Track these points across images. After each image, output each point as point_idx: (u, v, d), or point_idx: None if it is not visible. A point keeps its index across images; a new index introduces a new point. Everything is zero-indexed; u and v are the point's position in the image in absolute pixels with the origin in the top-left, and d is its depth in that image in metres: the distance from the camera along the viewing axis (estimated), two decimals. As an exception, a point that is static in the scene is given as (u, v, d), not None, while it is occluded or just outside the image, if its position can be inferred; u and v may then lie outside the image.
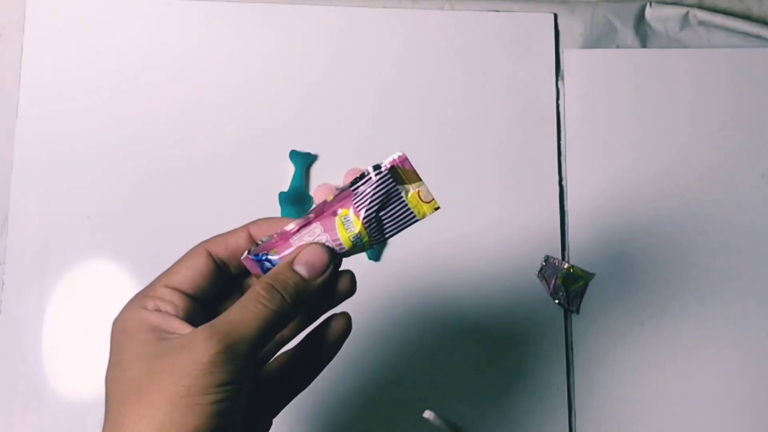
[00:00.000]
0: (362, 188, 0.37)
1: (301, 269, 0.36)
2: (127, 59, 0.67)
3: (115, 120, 0.66)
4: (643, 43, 0.71)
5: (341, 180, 0.65)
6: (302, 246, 0.37)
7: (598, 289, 0.65)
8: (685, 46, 0.71)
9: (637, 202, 0.67)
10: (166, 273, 0.38)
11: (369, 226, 0.37)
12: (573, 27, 0.70)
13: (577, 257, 0.66)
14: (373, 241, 0.37)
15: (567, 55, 0.70)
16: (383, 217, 0.37)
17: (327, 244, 0.37)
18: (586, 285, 0.65)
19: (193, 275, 0.38)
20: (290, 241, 0.37)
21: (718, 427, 0.64)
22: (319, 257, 0.36)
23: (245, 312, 0.35)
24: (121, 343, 0.35)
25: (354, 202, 0.37)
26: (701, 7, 0.72)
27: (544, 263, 0.65)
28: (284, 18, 0.69)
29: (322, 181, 0.65)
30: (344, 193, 0.37)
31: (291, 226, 0.37)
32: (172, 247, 0.64)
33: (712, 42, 0.71)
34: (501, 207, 0.67)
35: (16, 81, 0.66)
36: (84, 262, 0.64)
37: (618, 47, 0.71)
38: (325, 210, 0.37)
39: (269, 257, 0.37)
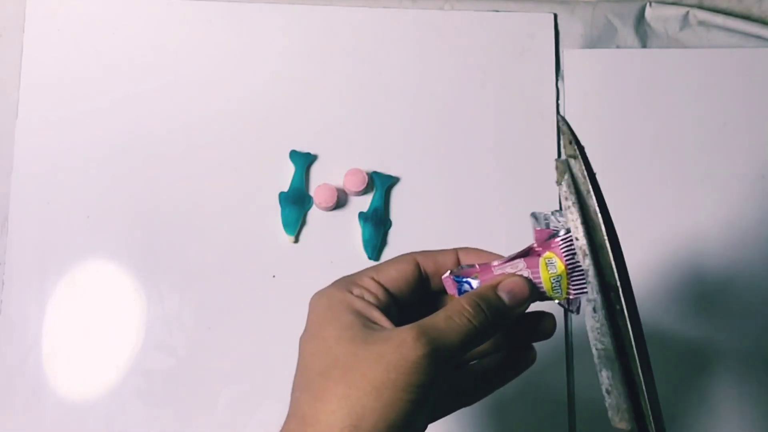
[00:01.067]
0: (568, 239, 0.39)
1: (504, 295, 0.38)
2: (127, 59, 0.67)
3: (115, 120, 0.66)
4: (643, 43, 0.71)
5: (341, 180, 0.65)
6: (506, 275, 0.39)
7: (598, 289, 0.65)
8: (685, 46, 0.71)
9: (637, 201, 0.67)
10: (375, 268, 0.41)
11: (570, 272, 0.38)
12: (573, 27, 0.70)
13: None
14: (569, 290, 0.39)
15: (567, 55, 0.70)
16: (574, 274, 0.39)
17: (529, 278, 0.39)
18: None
19: (399, 277, 0.40)
20: (493, 270, 0.39)
21: (718, 427, 0.64)
22: (521, 288, 0.38)
23: (451, 322, 0.36)
24: (324, 318, 0.38)
25: (560, 248, 0.39)
26: (701, 7, 0.72)
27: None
28: (284, 18, 0.69)
29: (322, 181, 0.65)
30: (551, 240, 0.39)
31: (495, 262, 0.40)
32: (172, 247, 0.64)
33: (712, 42, 0.71)
34: (501, 207, 0.67)
35: (16, 81, 0.66)
36: (84, 262, 0.64)
37: (618, 47, 0.71)
38: (531, 251, 0.40)
39: (470, 281, 0.39)
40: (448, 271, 0.40)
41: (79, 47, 0.67)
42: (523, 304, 0.39)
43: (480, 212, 0.66)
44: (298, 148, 0.66)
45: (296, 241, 0.65)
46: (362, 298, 0.38)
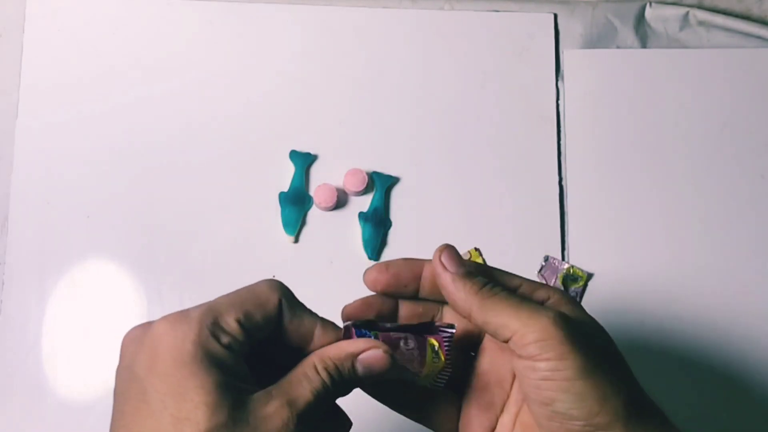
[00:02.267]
0: (450, 335, 0.38)
1: (360, 367, 0.36)
2: (127, 59, 0.67)
3: (115, 120, 0.66)
4: (643, 43, 0.71)
5: (341, 180, 0.65)
6: (379, 344, 0.36)
7: (597, 289, 0.65)
8: (685, 46, 0.71)
9: (637, 202, 0.67)
10: (238, 302, 0.35)
11: (447, 364, 0.38)
12: (573, 27, 0.70)
13: (577, 257, 0.66)
14: (440, 381, 0.39)
15: (567, 55, 0.70)
16: (447, 369, 0.39)
17: (405, 353, 0.37)
18: (585, 285, 0.65)
19: (261, 318, 0.35)
20: (390, 336, 0.38)
21: (718, 426, 0.64)
22: (382, 366, 0.36)
23: (305, 385, 0.34)
24: (181, 364, 0.31)
25: (443, 338, 0.38)
26: (701, 7, 0.72)
27: (544, 263, 0.65)
28: (284, 18, 0.69)
29: (322, 181, 0.65)
30: (437, 328, 0.39)
31: (388, 325, 0.38)
32: (172, 246, 0.64)
33: (712, 42, 0.71)
34: (501, 207, 0.67)
35: (16, 81, 0.66)
36: (84, 262, 0.64)
37: (618, 47, 0.71)
38: (431, 327, 0.39)
39: (370, 334, 0.37)
40: (350, 322, 0.38)
41: (79, 47, 0.67)
42: (376, 377, 0.36)
43: (480, 212, 0.66)
44: (298, 148, 0.66)
45: (296, 241, 0.65)
46: (229, 349, 0.33)
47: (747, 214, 0.68)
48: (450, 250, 0.38)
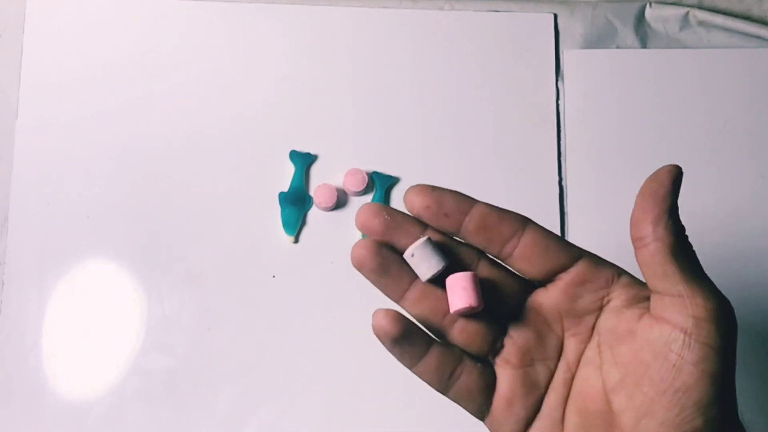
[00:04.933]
0: None
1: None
2: (127, 59, 0.67)
3: (115, 120, 0.66)
4: (643, 44, 0.71)
5: (341, 180, 0.65)
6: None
7: (598, 289, 0.65)
8: (685, 46, 0.71)
9: (637, 202, 0.67)
10: None
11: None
12: (573, 27, 0.71)
13: (577, 257, 0.66)
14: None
15: (567, 55, 0.70)
16: None
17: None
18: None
19: None
20: None
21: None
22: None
23: None
24: None
25: None
26: (701, 8, 0.72)
27: (544, 263, 0.65)
28: (284, 18, 0.69)
29: (322, 181, 0.65)
30: None
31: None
32: (172, 246, 0.64)
33: (712, 42, 0.71)
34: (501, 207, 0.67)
35: (16, 81, 0.66)
36: (84, 262, 0.64)
37: (618, 47, 0.71)
38: None
39: None
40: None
41: (79, 47, 0.67)
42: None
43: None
44: (298, 148, 0.66)
45: (296, 241, 0.65)
46: None
47: (747, 215, 0.68)
48: (679, 180, 0.35)
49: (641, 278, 0.36)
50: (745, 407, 0.64)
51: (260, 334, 0.63)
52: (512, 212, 0.36)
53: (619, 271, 0.36)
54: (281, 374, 0.62)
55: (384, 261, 0.36)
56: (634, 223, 0.34)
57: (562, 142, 0.68)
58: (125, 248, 0.64)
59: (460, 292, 0.35)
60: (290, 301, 0.63)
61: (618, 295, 0.35)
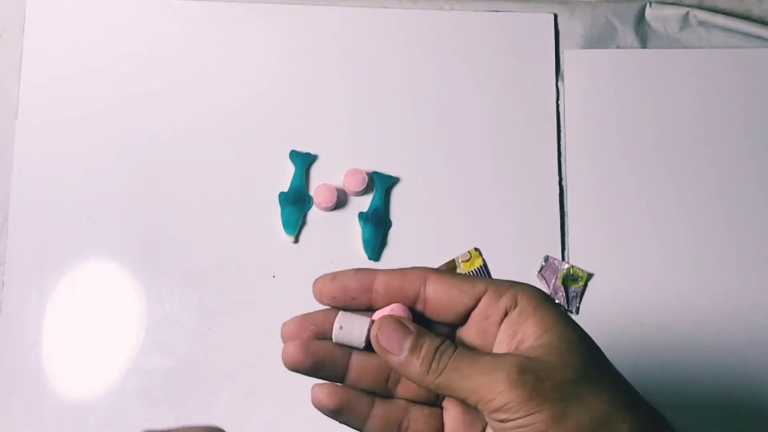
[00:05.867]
0: None
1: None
2: (127, 59, 0.67)
3: (114, 120, 0.66)
4: (643, 44, 0.71)
5: (341, 180, 0.65)
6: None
7: (597, 289, 0.65)
8: (685, 46, 0.71)
9: (637, 202, 0.67)
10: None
11: None
12: (573, 27, 0.70)
13: (577, 257, 0.66)
14: None
15: (567, 55, 0.70)
16: None
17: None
18: (585, 285, 0.65)
19: None
20: None
21: (718, 427, 0.64)
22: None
23: None
24: None
25: None
26: (701, 8, 0.72)
27: (543, 263, 0.65)
28: (284, 18, 0.69)
29: (322, 181, 0.65)
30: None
31: None
32: (172, 247, 0.64)
33: (712, 42, 0.71)
34: (501, 207, 0.67)
35: (16, 81, 0.66)
36: (84, 262, 0.64)
37: (618, 47, 0.71)
38: None
39: None
40: None
41: (79, 47, 0.67)
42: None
43: (480, 212, 0.66)
44: (298, 148, 0.66)
45: (296, 241, 0.65)
46: None
47: (747, 215, 0.68)
48: (386, 327, 0.35)
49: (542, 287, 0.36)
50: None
51: (260, 334, 0.63)
52: (411, 270, 0.37)
53: (513, 300, 0.36)
54: (281, 374, 0.62)
55: (316, 357, 0.37)
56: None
57: (562, 142, 0.68)
58: (125, 248, 0.64)
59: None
60: (290, 301, 0.62)
61: (500, 340, 0.36)
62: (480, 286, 0.36)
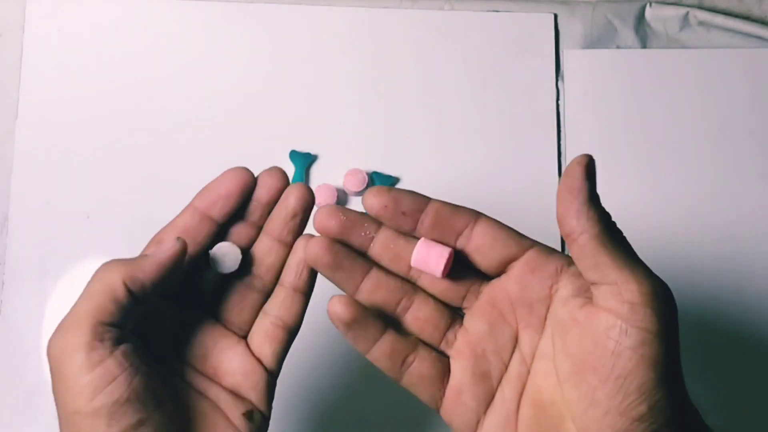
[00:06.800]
0: None
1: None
2: (128, 59, 0.67)
3: (115, 120, 0.66)
4: (643, 44, 0.71)
5: (341, 180, 0.65)
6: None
7: (598, 289, 0.65)
8: (685, 46, 0.71)
9: (637, 202, 0.67)
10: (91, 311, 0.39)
11: None
12: (573, 27, 0.70)
13: (577, 257, 0.66)
14: None
15: (567, 55, 0.70)
16: None
17: None
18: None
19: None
20: None
21: (720, 422, 0.64)
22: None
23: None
24: None
25: None
26: (701, 8, 0.72)
27: (544, 263, 0.65)
28: (284, 18, 0.69)
29: (322, 181, 0.65)
30: None
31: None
32: (172, 247, 0.64)
33: (712, 42, 0.71)
34: (501, 207, 0.67)
35: (16, 81, 0.66)
36: (84, 262, 0.64)
37: (618, 47, 0.71)
38: None
39: None
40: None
41: (80, 47, 0.67)
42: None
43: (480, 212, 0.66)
44: (298, 148, 0.66)
45: (296, 241, 0.65)
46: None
47: (747, 215, 0.68)
48: (593, 168, 0.36)
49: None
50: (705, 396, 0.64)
51: (260, 334, 0.63)
52: (465, 207, 0.38)
53: (569, 261, 0.36)
54: (281, 374, 0.62)
55: (336, 257, 0.37)
56: (559, 221, 0.34)
57: (562, 142, 0.68)
58: (125, 248, 0.64)
59: (435, 257, 0.36)
60: (290, 301, 0.63)
61: (565, 285, 0.36)
62: (527, 241, 0.37)
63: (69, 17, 0.68)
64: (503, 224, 0.37)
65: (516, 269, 0.36)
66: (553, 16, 0.70)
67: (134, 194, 0.65)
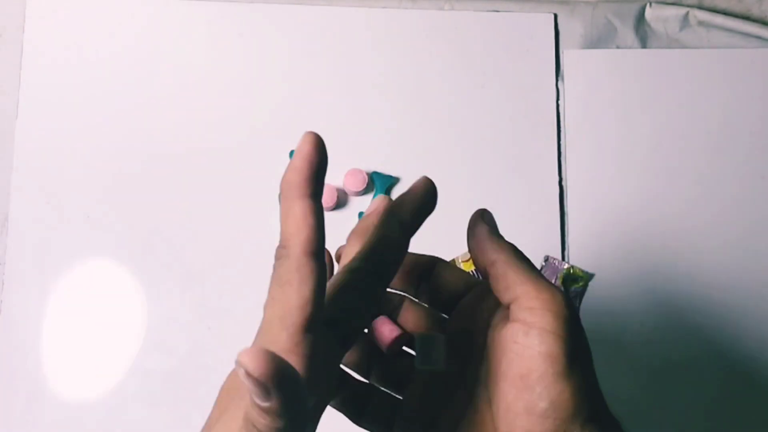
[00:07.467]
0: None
1: None
2: (127, 59, 0.67)
3: (114, 120, 0.66)
4: (643, 44, 0.71)
5: (341, 180, 0.65)
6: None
7: (598, 289, 0.65)
8: (685, 46, 0.71)
9: (637, 202, 0.67)
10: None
11: None
12: (573, 27, 0.70)
13: (577, 257, 0.66)
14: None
15: (567, 55, 0.70)
16: None
17: None
18: (586, 285, 0.65)
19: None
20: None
21: (718, 428, 0.64)
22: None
23: None
24: None
25: None
26: (701, 8, 0.72)
27: (544, 263, 0.65)
28: (284, 18, 0.69)
29: (322, 181, 0.65)
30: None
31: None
32: (172, 247, 0.64)
33: (712, 42, 0.71)
34: (501, 207, 0.67)
35: (16, 81, 0.66)
36: (84, 262, 0.64)
37: (618, 47, 0.71)
38: None
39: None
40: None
41: (79, 47, 0.67)
42: None
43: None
44: (298, 148, 0.66)
45: (296, 241, 0.65)
46: None
47: (747, 215, 0.68)
48: (489, 215, 0.40)
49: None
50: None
51: (260, 334, 0.63)
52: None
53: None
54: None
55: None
56: (475, 261, 0.38)
57: (562, 142, 0.68)
58: (125, 248, 0.64)
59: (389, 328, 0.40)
60: (290, 301, 0.63)
61: (497, 315, 0.37)
62: (475, 281, 0.39)
63: (69, 17, 0.68)
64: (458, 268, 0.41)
65: (464, 305, 0.39)
66: (553, 16, 0.70)
67: (134, 194, 0.65)
